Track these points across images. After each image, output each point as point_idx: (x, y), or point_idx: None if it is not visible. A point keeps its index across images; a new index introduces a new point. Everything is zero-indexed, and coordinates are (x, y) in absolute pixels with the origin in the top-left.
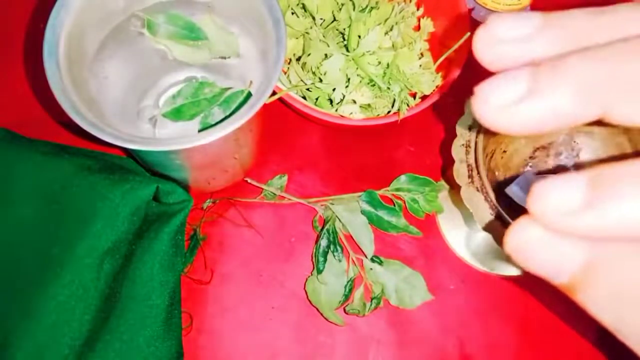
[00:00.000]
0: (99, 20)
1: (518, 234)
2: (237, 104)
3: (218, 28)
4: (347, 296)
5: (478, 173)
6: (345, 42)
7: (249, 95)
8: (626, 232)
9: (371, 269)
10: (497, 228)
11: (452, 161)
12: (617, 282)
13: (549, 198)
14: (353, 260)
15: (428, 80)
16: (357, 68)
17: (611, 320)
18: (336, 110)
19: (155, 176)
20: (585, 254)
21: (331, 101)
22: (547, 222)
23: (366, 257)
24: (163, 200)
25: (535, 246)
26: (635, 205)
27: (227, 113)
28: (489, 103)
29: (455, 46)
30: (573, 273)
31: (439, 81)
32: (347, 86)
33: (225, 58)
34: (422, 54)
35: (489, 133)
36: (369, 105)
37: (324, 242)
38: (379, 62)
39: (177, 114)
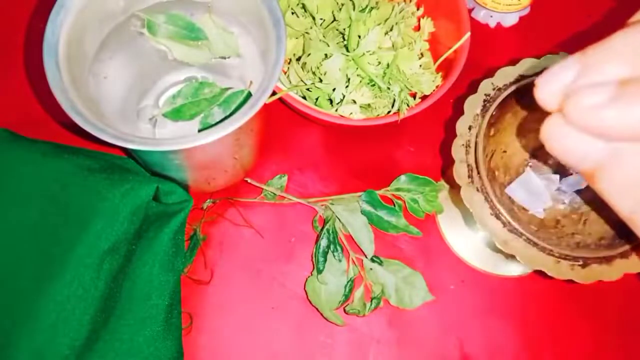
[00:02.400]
0: (99, 21)
1: (550, 124)
2: (237, 104)
3: (218, 28)
4: (347, 296)
5: (478, 173)
6: (345, 42)
7: (249, 95)
8: None
9: (371, 269)
10: (497, 228)
11: (452, 161)
12: (633, 170)
13: (582, 96)
14: (353, 260)
15: (428, 80)
16: (357, 68)
17: (626, 206)
18: (336, 110)
19: (155, 176)
20: (606, 145)
21: (331, 101)
22: (576, 119)
23: (366, 257)
24: (163, 200)
25: (563, 136)
26: None
27: (227, 113)
28: (580, 103)
29: (455, 46)
30: (596, 160)
31: (439, 81)
32: (347, 86)
33: (225, 58)
34: (422, 54)
35: (488, 133)
36: (369, 105)
37: (324, 242)
38: (379, 62)
39: (177, 114)
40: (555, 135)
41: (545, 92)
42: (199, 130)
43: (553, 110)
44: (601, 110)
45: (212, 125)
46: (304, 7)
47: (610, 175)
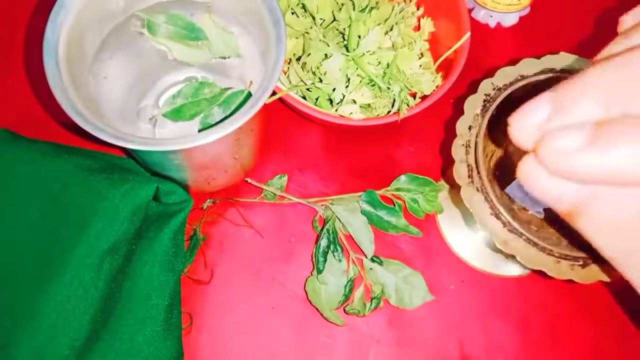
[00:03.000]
0: (99, 21)
1: (526, 163)
2: (237, 104)
3: (218, 28)
4: (347, 296)
5: (478, 173)
6: (345, 42)
7: (249, 95)
8: (619, 177)
9: (371, 268)
10: (497, 228)
11: (452, 161)
12: (610, 212)
13: (555, 140)
14: (353, 260)
15: (428, 80)
16: (357, 68)
17: (607, 247)
18: (336, 110)
19: (155, 176)
20: (582, 188)
21: (331, 101)
22: (551, 165)
23: (366, 257)
24: (163, 200)
25: (540, 176)
26: (631, 152)
27: (227, 113)
28: (552, 147)
29: (455, 46)
30: (573, 202)
31: (439, 81)
32: (347, 86)
33: (225, 58)
34: (422, 54)
35: (489, 133)
36: (369, 105)
37: (324, 242)
38: (379, 62)
39: (177, 114)
40: (530, 175)
41: (519, 131)
42: (199, 130)
43: (529, 149)
44: (575, 155)
45: (212, 125)
46: (304, 7)
47: (588, 217)
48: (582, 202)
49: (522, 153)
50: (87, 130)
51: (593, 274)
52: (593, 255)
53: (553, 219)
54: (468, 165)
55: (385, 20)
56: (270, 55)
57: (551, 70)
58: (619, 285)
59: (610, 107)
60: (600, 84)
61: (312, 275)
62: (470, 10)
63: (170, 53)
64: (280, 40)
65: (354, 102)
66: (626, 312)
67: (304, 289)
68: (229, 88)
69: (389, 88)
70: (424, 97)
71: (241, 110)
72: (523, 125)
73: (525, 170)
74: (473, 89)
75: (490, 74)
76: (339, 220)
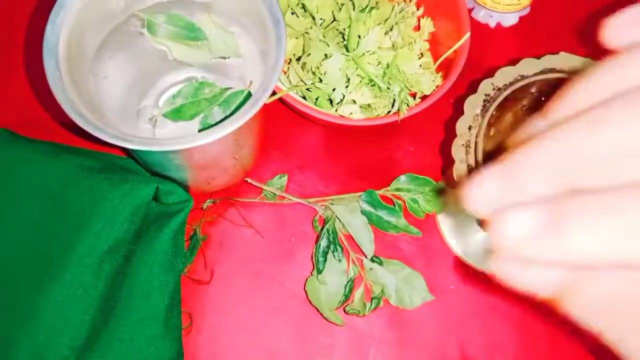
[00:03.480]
0: (98, 21)
1: (494, 265)
2: (237, 104)
3: (218, 28)
4: (347, 296)
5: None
6: (345, 42)
7: (249, 95)
8: (591, 261)
9: (371, 269)
10: None
11: (452, 161)
12: (592, 293)
13: (509, 225)
14: (353, 260)
15: (428, 80)
16: (357, 68)
17: (595, 326)
18: (336, 110)
19: (155, 176)
20: (559, 272)
21: (331, 101)
22: (508, 251)
23: (366, 257)
24: (163, 200)
25: (511, 272)
26: (591, 238)
27: (227, 113)
28: (509, 235)
29: (455, 46)
30: (551, 288)
31: (439, 81)
32: (347, 86)
33: (225, 58)
34: (422, 54)
35: (488, 133)
36: (369, 105)
37: (324, 242)
38: (379, 62)
39: (177, 114)
40: (502, 272)
41: (475, 206)
42: (199, 131)
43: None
44: (534, 243)
45: (212, 125)
46: (304, 7)
47: (571, 298)
48: (562, 285)
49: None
50: (87, 130)
51: None
52: None
53: None
54: (468, 165)
55: (385, 20)
56: (270, 55)
57: (551, 70)
58: None
59: (562, 183)
60: (547, 159)
61: (312, 275)
62: (470, 10)
63: (170, 53)
64: (280, 40)
65: (354, 102)
66: None
67: (304, 289)
68: (229, 88)
69: (389, 88)
70: (424, 97)
71: (241, 110)
72: (477, 202)
73: (495, 269)
74: (473, 89)
75: (490, 74)
76: (339, 220)
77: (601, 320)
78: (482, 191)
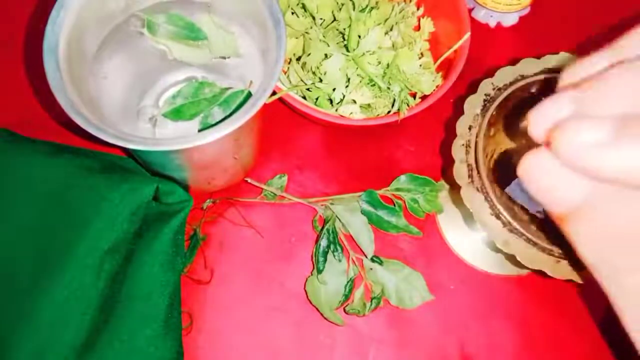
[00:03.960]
0: (98, 21)
1: (531, 159)
2: (237, 104)
3: (218, 28)
4: (347, 296)
5: (478, 173)
6: (345, 42)
7: (249, 95)
8: (636, 177)
9: (371, 268)
10: (497, 228)
11: (452, 161)
12: (604, 223)
13: (578, 132)
14: (353, 260)
15: (428, 80)
16: (357, 68)
17: (591, 256)
18: (336, 110)
19: (155, 176)
20: (585, 191)
21: (331, 101)
22: (568, 154)
23: (366, 257)
24: (163, 200)
25: (543, 174)
26: None
27: (227, 113)
28: (572, 139)
29: (455, 46)
30: (569, 206)
31: (439, 81)
32: (347, 86)
33: (225, 58)
34: (422, 54)
35: (488, 133)
36: (369, 105)
37: (324, 242)
38: (379, 62)
39: (177, 114)
40: (535, 171)
41: (540, 127)
42: (199, 131)
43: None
44: (600, 150)
45: (212, 125)
46: (304, 7)
47: (580, 222)
48: (579, 207)
49: (523, 154)
50: (88, 130)
51: None
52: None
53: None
54: (468, 165)
55: (385, 20)
56: (271, 55)
57: (551, 70)
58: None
59: (634, 110)
60: (625, 89)
61: (312, 275)
62: (470, 10)
63: (170, 53)
64: (281, 40)
65: (354, 102)
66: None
67: (304, 289)
68: (229, 88)
69: (389, 88)
70: (424, 97)
71: (241, 110)
72: (542, 120)
73: (531, 165)
74: (473, 89)
75: (490, 74)
76: (339, 220)
77: (597, 252)
78: (552, 113)
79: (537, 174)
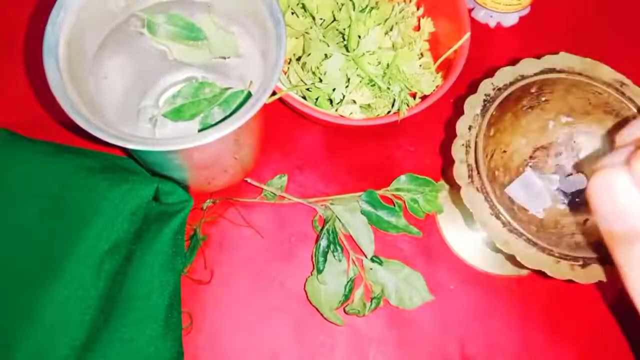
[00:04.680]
0: (99, 21)
1: (606, 177)
2: (237, 104)
3: (218, 28)
4: (347, 296)
5: (478, 173)
6: (345, 42)
7: (249, 95)
8: None
9: (371, 269)
10: (497, 228)
11: (452, 161)
12: None
13: None
14: (353, 260)
15: (428, 80)
16: (357, 68)
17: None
18: (336, 110)
19: (155, 176)
20: None
21: (331, 101)
22: None
23: (366, 257)
24: (163, 200)
25: (618, 192)
26: None
27: (227, 113)
28: None
29: (455, 46)
30: (634, 227)
31: (438, 81)
32: (347, 86)
33: (225, 58)
34: (422, 54)
35: (488, 133)
36: (369, 105)
37: (323, 242)
38: (379, 62)
39: (177, 114)
40: (609, 188)
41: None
42: (199, 131)
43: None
44: None
45: (212, 125)
46: (304, 7)
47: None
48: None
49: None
50: (87, 130)
51: (593, 274)
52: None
53: (552, 220)
54: (468, 165)
55: (385, 20)
56: (271, 55)
57: (551, 70)
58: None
59: None
60: None
61: (312, 275)
62: (470, 10)
63: (170, 53)
64: (281, 40)
65: (354, 102)
66: (625, 313)
67: (304, 289)
68: (229, 88)
69: (389, 88)
70: (423, 97)
71: (241, 110)
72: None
73: (605, 181)
74: (473, 89)
75: (490, 74)
76: (339, 220)
77: None
78: None
79: (609, 191)
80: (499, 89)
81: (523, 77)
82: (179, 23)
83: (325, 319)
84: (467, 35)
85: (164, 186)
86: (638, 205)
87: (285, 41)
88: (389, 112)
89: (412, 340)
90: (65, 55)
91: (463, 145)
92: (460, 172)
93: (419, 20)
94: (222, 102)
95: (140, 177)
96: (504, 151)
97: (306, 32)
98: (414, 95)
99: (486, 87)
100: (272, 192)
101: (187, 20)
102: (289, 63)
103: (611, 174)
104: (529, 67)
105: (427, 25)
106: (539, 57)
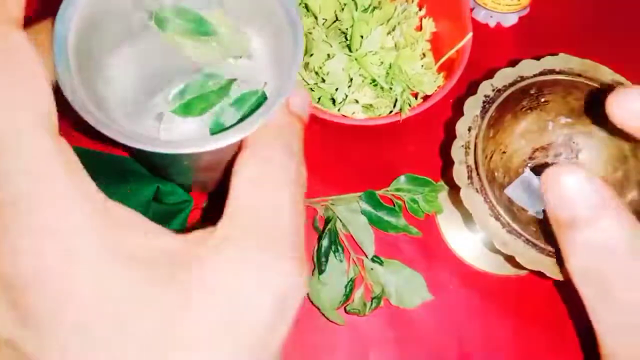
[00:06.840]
0: (108, 17)
1: (557, 168)
2: (250, 103)
3: (228, 26)
4: (347, 296)
5: (477, 174)
6: (347, 42)
7: (264, 95)
8: None
9: (372, 269)
10: (496, 229)
11: (452, 162)
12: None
13: None
14: (354, 260)
15: (430, 81)
16: (359, 68)
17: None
18: (338, 110)
19: (156, 176)
20: (597, 205)
21: (334, 101)
22: None
23: (367, 257)
24: (163, 201)
25: (565, 180)
26: None
27: (241, 113)
28: None
29: (457, 47)
30: (579, 214)
31: (440, 81)
32: (349, 86)
33: (237, 58)
34: (424, 54)
35: (488, 134)
36: (371, 105)
37: (326, 242)
38: (382, 62)
39: (185, 109)
40: (558, 178)
41: (623, 112)
42: (211, 130)
43: (629, 126)
44: None
45: (225, 127)
46: (306, 7)
47: (580, 232)
48: (587, 218)
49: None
50: (101, 131)
51: None
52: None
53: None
54: (467, 167)
55: (388, 21)
56: (286, 58)
57: (551, 71)
58: None
59: None
60: None
61: (312, 275)
62: (470, 11)
63: (180, 51)
64: (297, 42)
65: (357, 102)
66: None
67: None
68: (234, 79)
69: (391, 88)
70: (425, 97)
71: (259, 111)
72: (628, 108)
73: (554, 172)
74: (472, 90)
75: (489, 75)
76: (340, 220)
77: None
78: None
79: (558, 181)
80: (499, 91)
81: (522, 79)
82: (188, 17)
83: (326, 318)
84: (469, 35)
85: (164, 186)
86: (581, 192)
87: (302, 42)
88: (390, 112)
89: (411, 339)
90: (74, 53)
91: (462, 146)
92: (459, 173)
93: (421, 20)
94: (235, 102)
95: (141, 178)
96: (504, 152)
97: (309, 32)
98: (415, 96)
99: (486, 88)
100: None
101: (196, 14)
102: None
103: (561, 165)
104: (528, 68)
105: (429, 25)
106: (538, 58)
